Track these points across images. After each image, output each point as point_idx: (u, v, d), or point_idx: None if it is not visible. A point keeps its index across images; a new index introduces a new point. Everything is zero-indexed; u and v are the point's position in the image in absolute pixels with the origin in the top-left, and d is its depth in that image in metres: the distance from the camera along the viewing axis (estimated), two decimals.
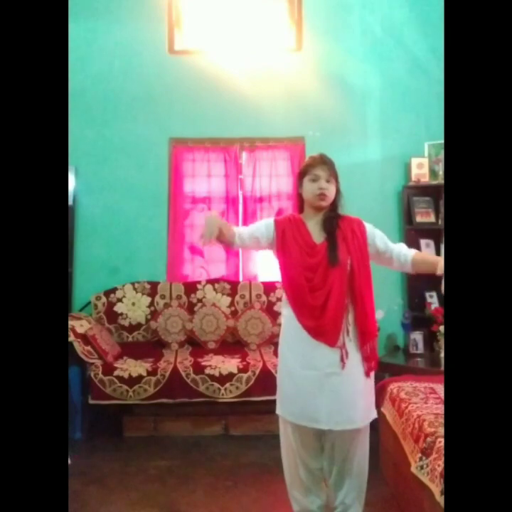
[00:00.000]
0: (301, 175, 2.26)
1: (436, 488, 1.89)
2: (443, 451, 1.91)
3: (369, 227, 2.29)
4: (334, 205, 2.26)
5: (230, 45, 4.29)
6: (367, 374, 2.18)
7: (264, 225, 2.26)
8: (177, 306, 3.97)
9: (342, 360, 2.12)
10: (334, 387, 2.12)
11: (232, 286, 4.10)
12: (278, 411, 2.28)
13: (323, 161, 2.22)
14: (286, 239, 2.20)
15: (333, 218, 2.23)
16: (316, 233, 2.22)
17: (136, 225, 4.22)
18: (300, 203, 2.30)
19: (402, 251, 2.27)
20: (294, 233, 2.21)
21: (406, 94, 4.30)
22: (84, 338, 3.44)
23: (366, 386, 2.20)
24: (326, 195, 2.20)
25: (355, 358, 2.15)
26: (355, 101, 4.30)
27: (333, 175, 2.22)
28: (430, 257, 2.36)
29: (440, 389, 2.61)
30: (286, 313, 2.23)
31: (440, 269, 2.05)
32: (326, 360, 2.12)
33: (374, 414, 2.24)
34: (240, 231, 2.24)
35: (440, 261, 2.09)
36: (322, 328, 2.12)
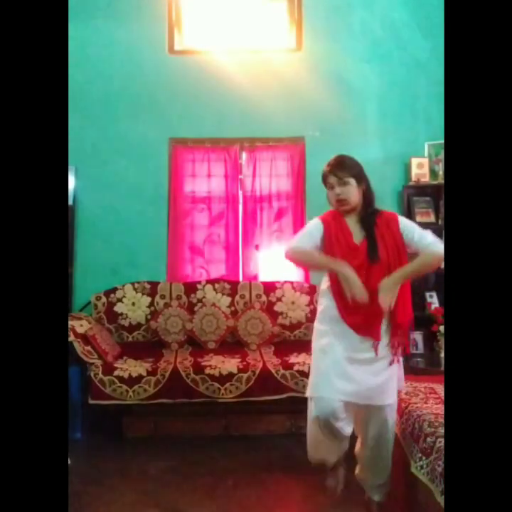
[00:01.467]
0: (323, 184, 2.34)
1: (436, 488, 1.89)
2: (443, 451, 1.91)
3: (402, 221, 2.30)
4: (366, 202, 2.30)
5: (230, 45, 4.29)
6: (392, 361, 2.28)
7: (316, 227, 2.32)
8: (177, 306, 3.97)
9: (376, 349, 2.22)
10: (370, 371, 2.24)
11: (232, 286, 4.10)
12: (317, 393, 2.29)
13: (336, 166, 2.28)
14: (332, 240, 2.26)
15: (370, 216, 2.28)
16: (356, 232, 2.28)
17: (136, 225, 4.22)
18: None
19: (439, 244, 2.20)
20: (338, 234, 2.27)
21: (406, 94, 4.31)
22: (84, 338, 3.44)
23: (393, 370, 2.30)
24: (344, 200, 2.26)
25: (386, 347, 2.26)
26: (355, 101, 4.30)
27: (353, 175, 2.26)
28: (412, 262, 2.32)
29: (440, 389, 2.61)
30: (330, 304, 2.28)
31: None
32: (367, 350, 2.23)
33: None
34: (307, 244, 2.28)
35: None
36: (366, 325, 2.21)
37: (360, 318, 2.21)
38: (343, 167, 2.28)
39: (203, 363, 3.46)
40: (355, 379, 2.23)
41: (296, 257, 2.33)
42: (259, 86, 4.25)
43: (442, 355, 3.62)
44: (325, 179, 2.31)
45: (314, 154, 4.25)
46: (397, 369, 2.35)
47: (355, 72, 4.30)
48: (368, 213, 2.28)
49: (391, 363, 2.28)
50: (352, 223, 2.29)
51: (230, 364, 3.45)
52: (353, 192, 2.26)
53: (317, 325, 2.36)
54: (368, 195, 2.30)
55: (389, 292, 2.15)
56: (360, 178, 2.29)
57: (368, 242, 2.23)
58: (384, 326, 2.26)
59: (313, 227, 2.33)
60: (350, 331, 2.23)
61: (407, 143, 4.25)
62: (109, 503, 2.62)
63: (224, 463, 3.07)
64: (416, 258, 2.23)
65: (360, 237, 2.26)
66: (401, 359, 2.36)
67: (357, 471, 2.53)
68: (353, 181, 2.26)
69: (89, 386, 3.36)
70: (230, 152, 4.26)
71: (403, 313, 2.27)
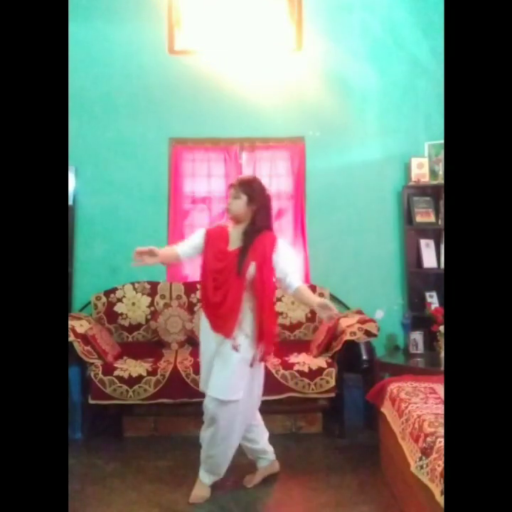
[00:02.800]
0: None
1: (436, 488, 1.89)
2: (443, 451, 1.91)
3: (280, 247, 2.61)
4: (253, 220, 2.61)
5: (230, 45, 4.29)
6: (251, 365, 2.60)
7: (199, 234, 2.71)
8: (177, 306, 3.97)
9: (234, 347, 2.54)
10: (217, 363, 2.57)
11: None
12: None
13: (238, 181, 2.67)
14: (208, 246, 2.63)
15: (252, 231, 2.59)
16: (234, 242, 2.61)
17: (136, 225, 4.22)
18: None
19: (293, 280, 2.55)
20: (216, 240, 2.64)
21: (406, 94, 4.30)
22: (84, 338, 3.44)
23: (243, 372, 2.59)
24: (228, 210, 2.65)
25: (247, 352, 2.58)
26: (355, 101, 4.30)
27: (246, 193, 2.59)
28: (311, 296, 2.60)
29: (440, 389, 2.61)
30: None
31: (317, 305, 2.43)
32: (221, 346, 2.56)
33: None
34: (183, 247, 2.71)
35: (316, 301, 2.46)
36: (219, 323, 2.55)
37: (214, 316, 2.57)
38: (242, 184, 2.63)
39: None
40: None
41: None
42: (259, 86, 4.25)
43: (442, 355, 3.62)
44: (229, 189, 2.69)
45: (314, 154, 4.25)
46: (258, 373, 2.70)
47: (355, 72, 4.29)
48: (252, 229, 2.59)
49: (251, 365, 2.59)
50: (235, 234, 2.63)
51: None
52: (240, 206, 2.60)
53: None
54: (257, 216, 2.61)
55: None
56: (254, 198, 2.60)
57: (240, 251, 2.55)
58: (248, 334, 2.57)
59: (197, 233, 2.74)
60: (209, 328, 2.59)
61: (407, 143, 4.25)
62: (109, 503, 2.62)
63: None
64: (308, 290, 2.61)
65: (235, 246, 2.59)
66: (261, 365, 2.70)
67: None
68: (244, 198, 2.59)
69: (89, 386, 3.35)
70: (230, 152, 4.26)
71: (267, 326, 2.60)
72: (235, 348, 2.54)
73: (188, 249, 2.70)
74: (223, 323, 2.54)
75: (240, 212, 2.61)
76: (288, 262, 2.59)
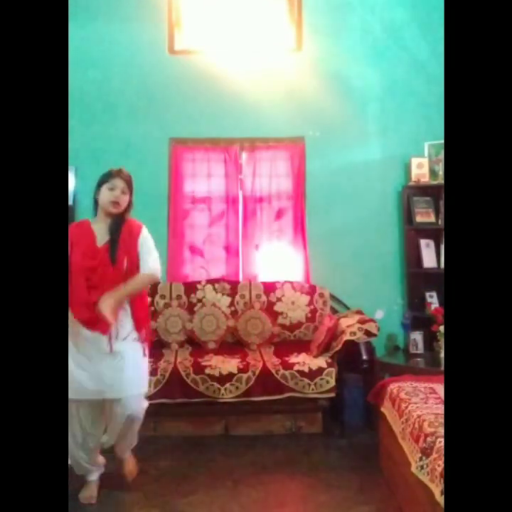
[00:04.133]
0: (100, 182, 2.57)
1: (436, 488, 1.89)
2: (443, 451, 1.91)
3: (143, 233, 2.60)
4: (124, 212, 2.58)
5: (230, 45, 4.29)
6: (144, 354, 2.61)
7: None
8: (177, 306, 3.97)
9: (109, 344, 2.47)
10: (110, 365, 2.48)
11: (232, 286, 4.09)
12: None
13: (121, 174, 2.57)
14: (73, 244, 2.50)
15: (118, 223, 2.55)
16: (101, 235, 2.54)
17: None
18: (96, 208, 2.62)
19: (145, 267, 2.54)
20: (80, 238, 2.53)
21: (406, 94, 4.30)
22: None
23: (144, 363, 2.63)
24: (117, 203, 2.54)
25: (131, 341, 2.54)
26: (355, 101, 4.30)
27: (129, 185, 2.57)
28: (126, 285, 2.51)
29: (440, 389, 2.61)
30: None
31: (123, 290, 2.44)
32: (100, 346, 2.48)
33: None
34: None
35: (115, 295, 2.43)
36: (95, 321, 2.41)
37: (90, 315, 2.42)
38: (127, 178, 2.58)
39: (202, 363, 3.46)
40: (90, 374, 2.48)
41: None
42: (259, 86, 4.25)
43: (442, 355, 3.62)
44: (107, 179, 2.54)
45: (314, 154, 4.25)
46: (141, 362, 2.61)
47: (355, 72, 4.29)
48: (117, 221, 2.56)
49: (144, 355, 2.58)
50: (99, 228, 2.56)
51: (230, 364, 3.45)
52: (126, 201, 2.58)
53: None
54: (129, 207, 2.61)
55: (110, 309, 2.38)
56: (132, 189, 2.60)
57: (110, 244, 2.50)
58: (125, 323, 2.52)
59: None
60: (83, 329, 2.46)
61: (407, 143, 4.25)
62: (109, 503, 2.62)
63: (224, 463, 3.07)
64: (134, 277, 2.51)
65: (104, 240, 2.53)
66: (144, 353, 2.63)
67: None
68: (128, 193, 2.58)
69: None
70: (230, 152, 4.26)
71: (143, 310, 2.64)
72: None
73: None
74: (100, 321, 2.41)
75: (124, 206, 2.58)
76: (149, 249, 2.59)
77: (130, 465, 2.80)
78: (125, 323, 2.54)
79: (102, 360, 2.49)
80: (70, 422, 2.49)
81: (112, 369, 2.49)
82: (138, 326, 2.58)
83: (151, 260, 2.56)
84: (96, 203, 2.61)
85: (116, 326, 2.48)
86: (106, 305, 2.38)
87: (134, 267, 2.53)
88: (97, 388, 2.48)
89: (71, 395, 2.30)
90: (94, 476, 2.69)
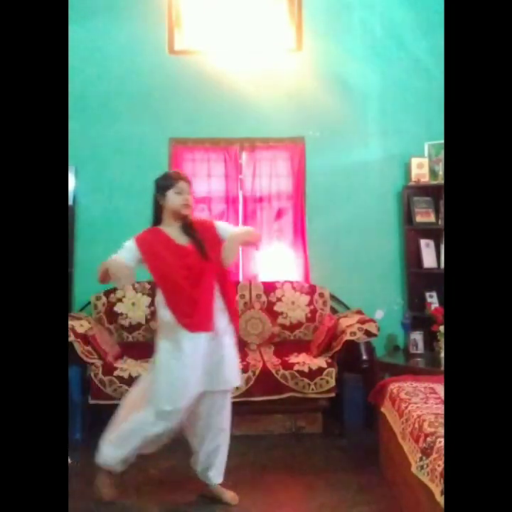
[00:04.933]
0: (164, 188, 2.56)
1: (436, 488, 1.89)
2: (443, 451, 1.91)
3: (217, 223, 2.64)
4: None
5: (230, 45, 4.29)
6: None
7: (127, 249, 2.51)
8: None
9: (212, 341, 2.48)
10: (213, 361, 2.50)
11: None
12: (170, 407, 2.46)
13: (184, 176, 2.62)
14: (155, 249, 2.48)
15: (190, 222, 2.56)
16: (178, 238, 2.53)
17: (136, 225, 4.18)
18: (159, 214, 2.59)
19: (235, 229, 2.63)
20: (160, 243, 2.50)
21: (406, 94, 4.30)
22: (84, 338, 3.44)
23: (236, 353, 2.64)
24: (190, 206, 2.55)
25: (228, 335, 2.55)
26: (355, 101, 4.30)
27: (191, 188, 2.61)
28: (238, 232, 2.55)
29: (440, 389, 2.61)
30: (164, 313, 2.49)
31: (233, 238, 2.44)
32: (203, 344, 2.47)
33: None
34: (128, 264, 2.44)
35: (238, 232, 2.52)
36: (198, 321, 2.43)
37: (192, 315, 2.42)
38: (185, 177, 2.61)
39: None
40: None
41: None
42: (260, 86, 4.25)
43: (442, 355, 3.62)
44: (173, 184, 2.54)
45: (314, 154, 4.25)
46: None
47: (355, 72, 4.29)
48: (186, 221, 2.55)
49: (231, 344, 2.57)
50: (171, 231, 2.54)
51: None
52: (192, 201, 2.59)
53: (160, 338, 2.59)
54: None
55: (232, 251, 2.41)
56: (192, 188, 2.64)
57: (195, 243, 2.50)
58: (220, 317, 2.51)
59: (125, 248, 2.52)
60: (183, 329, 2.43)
61: (407, 143, 4.25)
62: (109, 503, 2.62)
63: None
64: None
65: (184, 241, 2.52)
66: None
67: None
68: (190, 191, 2.59)
69: (89, 386, 3.36)
70: (230, 152, 4.26)
71: (234, 301, 2.68)
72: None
73: (130, 270, 2.43)
74: (204, 319, 2.45)
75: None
76: (227, 226, 2.65)
77: (228, 491, 2.65)
78: (221, 318, 2.53)
79: (206, 357, 2.49)
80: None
81: (216, 364, 2.50)
82: (232, 319, 2.59)
83: (234, 228, 2.64)
84: (158, 208, 2.58)
85: (215, 320, 2.50)
86: (228, 249, 2.39)
87: (219, 257, 2.49)
88: (203, 383, 2.49)
89: (182, 397, 2.42)
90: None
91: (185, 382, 2.45)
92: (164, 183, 2.57)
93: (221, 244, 2.45)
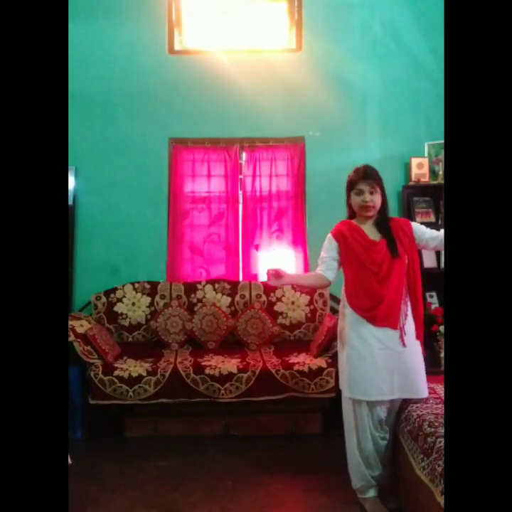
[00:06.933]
0: (348, 188, 2.56)
1: (436, 488, 1.89)
2: (443, 451, 1.91)
3: (414, 224, 2.59)
4: (382, 210, 2.55)
5: (230, 45, 4.29)
6: (423, 352, 2.58)
7: (329, 242, 2.61)
8: (177, 306, 3.97)
9: (401, 338, 2.45)
10: (402, 363, 2.46)
11: (232, 286, 4.09)
12: (351, 395, 2.47)
13: (367, 174, 2.51)
14: (349, 242, 2.52)
15: (384, 221, 2.54)
16: (372, 234, 2.52)
17: (136, 225, 4.22)
18: (351, 211, 2.61)
19: (435, 233, 2.57)
20: (354, 235, 2.52)
21: (406, 94, 4.30)
22: (84, 338, 3.44)
23: (422, 360, 2.58)
24: (372, 206, 2.50)
25: (412, 337, 2.51)
26: (355, 101, 4.30)
27: (379, 184, 2.50)
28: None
29: (440, 389, 2.61)
30: (349, 312, 2.51)
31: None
32: (392, 341, 2.44)
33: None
34: (326, 267, 2.59)
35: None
36: (384, 314, 2.42)
37: (377, 309, 2.43)
38: (373, 176, 2.51)
39: (203, 363, 3.46)
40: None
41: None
42: (260, 86, 4.25)
43: (442, 355, 3.62)
44: (354, 185, 2.51)
45: (314, 154, 4.25)
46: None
47: (355, 72, 4.29)
48: (383, 219, 2.54)
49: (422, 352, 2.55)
50: (366, 228, 2.54)
51: (230, 364, 3.45)
52: (379, 199, 2.51)
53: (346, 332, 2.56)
54: (384, 204, 2.56)
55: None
56: (383, 188, 2.54)
57: (387, 240, 2.48)
58: (408, 319, 2.49)
59: (327, 243, 2.63)
60: (369, 325, 2.44)
61: (407, 143, 4.25)
62: (109, 503, 2.62)
63: (224, 463, 3.07)
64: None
65: (377, 237, 2.51)
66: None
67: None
68: (378, 190, 2.50)
69: (89, 386, 3.36)
70: (230, 152, 4.26)
71: (422, 307, 2.59)
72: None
73: (333, 265, 2.58)
74: (389, 315, 2.42)
75: (379, 206, 2.52)
76: (422, 227, 2.58)
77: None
78: (409, 318, 2.50)
79: (395, 357, 2.44)
80: (360, 427, 2.48)
81: (407, 366, 2.46)
82: (418, 323, 2.55)
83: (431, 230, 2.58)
84: (350, 207, 2.60)
85: (403, 321, 2.46)
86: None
87: (415, 261, 2.51)
88: (393, 387, 2.43)
89: (364, 396, 2.42)
90: (373, 492, 2.54)
91: (374, 373, 2.42)
92: (348, 184, 2.57)
93: (415, 246, 2.52)
